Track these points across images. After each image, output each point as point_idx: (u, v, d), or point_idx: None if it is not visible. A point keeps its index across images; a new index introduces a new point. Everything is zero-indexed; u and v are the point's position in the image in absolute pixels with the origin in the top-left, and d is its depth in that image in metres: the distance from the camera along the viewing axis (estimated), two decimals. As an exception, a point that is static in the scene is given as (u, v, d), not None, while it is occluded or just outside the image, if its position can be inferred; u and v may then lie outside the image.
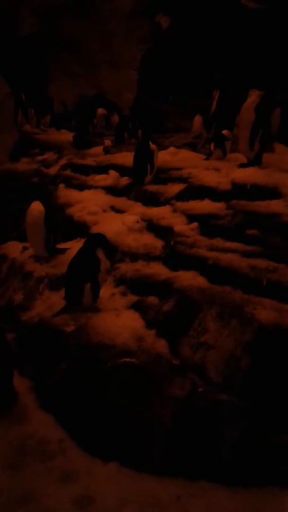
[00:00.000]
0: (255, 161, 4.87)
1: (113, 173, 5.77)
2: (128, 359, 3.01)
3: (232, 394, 2.69)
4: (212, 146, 5.74)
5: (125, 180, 5.69)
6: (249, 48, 7.59)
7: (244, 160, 5.08)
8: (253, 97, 5.16)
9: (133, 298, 3.70)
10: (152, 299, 3.60)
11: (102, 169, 6.15)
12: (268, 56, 7.34)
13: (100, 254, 3.62)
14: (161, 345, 3.16)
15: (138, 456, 2.72)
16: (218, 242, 3.91)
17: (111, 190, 5.62)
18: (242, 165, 4.92)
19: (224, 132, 5.70)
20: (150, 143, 5.44)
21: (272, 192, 4.20)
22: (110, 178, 5.74)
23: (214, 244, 3.89)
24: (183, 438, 2.69)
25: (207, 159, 5.83)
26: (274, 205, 4.00)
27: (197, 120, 7.81)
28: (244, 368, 2.74)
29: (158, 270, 3.87)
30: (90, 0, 10.70)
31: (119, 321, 3.40)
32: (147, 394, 2.82)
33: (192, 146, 6.79)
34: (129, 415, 2.79)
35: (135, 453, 2.74)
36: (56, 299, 3.87)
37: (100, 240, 3.70)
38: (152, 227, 4.52)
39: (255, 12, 7.89)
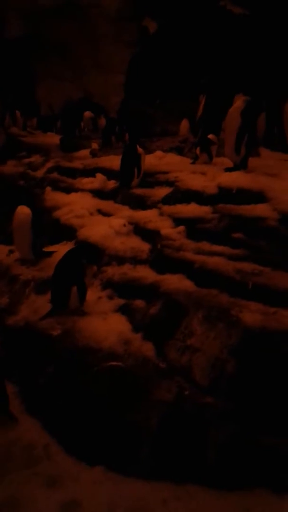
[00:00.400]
0: (241, 165, 4.92)
1: (100, 176, 5.77)
2: (115, 363, 3.01)
3: (218, 397, 2.70)
4: (198, 150, 5.78)
5: (112, 184, 5.69)
6: (235, 54, 7.68)
7: (230, 164, 5.12)
8: (239, 102, 5.22)
9: (120, 301, 3.70)
10: (139, 303, 3.60)
11: (89, 172, 6.15)
12: (254, 61, 7.42)
13: (84, 260, 3.63)
14: (148, 349, 3.17)
15: (124, 460, 2.72)
16: (205, 245, 3.93)
17: (98, 193, 5.62)
18: (228, 169, 4.96)
19: (210, 136, 5.75)
20: (137, 146, 5.46)
21: (257, 196, 4.24)
22: (97, 181, 5.74)
23: (200, 247, 3.91)
24: (170, 441, 2.69)
25: (193, 163, 5.87)
26: (259, 209, 4.04)
27: (184, 124, 7.87)
28: (230, 371, 2.75)
29: (145, 273, 3.88)
30: (78, 3, 10.71)
31: (105, 324, 3.40)
32: (134, 398, 2.82)
33: (179, 150, 6.83)
34: (116, 418, 2.78)
35: (121, 457, 2.73)
36: (43, 302, 3.85)
37: (82, 251, 3.72)
38: (139, 230, 4.53)
39: (240, 18, 7.97)
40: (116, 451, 2.75)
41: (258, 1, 7.70)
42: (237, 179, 4.60)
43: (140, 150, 5.46)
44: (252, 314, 2.99)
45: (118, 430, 2.74)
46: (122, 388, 2.90)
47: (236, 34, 7.86)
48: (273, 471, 2.48)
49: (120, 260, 4.11)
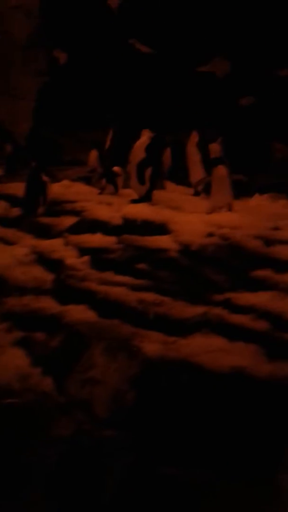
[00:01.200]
0: (145, 198, 5.09)
1: (3, 204, 5.60)
2: (11, 400, 2.85)
3: (118, 429, 2.66)
4: (104, 182, 5.89)
5: (16, 211, 5.55)
6: (141, 90, 8.02)
7: (135, 196, 5.27)
8: (145, 137, 5.46)
9: (19, 334, 3.53)
10: (40, 335, 3.48)
11: (-8, 199, 5.95)
12: (159, 99, 7.81)
13: None
14: (48, 383, 3.05)
15: (18, 504, 2.55)
16: (109, 275, 3.95)
17: (1, 221, 5.43)
18: (134, 201, 5.10)
19: (115, 168, 5.89)
20: (42, 174, 5.41)
21: (160, 228, 4.39)
22: (0, 208, 5.56)
23: (104, 277, 3.92)
24: (68, 480, 2.58)
25: (101, 193, 5.95)
26: (162, 241, 4.18)
27: (93, 154, 7.97)
28: (130, 403, 2.74)
29: (48, 304, 3.78)
30: (-14, 28, 10.52)
31: (2, 359, 3.23)
32: (31, 437, 2.68)
33: (87, 180, 6.89)
34: (10, 460, 2.61)
35: (15, 501, 2.56)
36: None
37: None
38: (43, 260, 4.43)
39: (147, 57, 8.39)
40: (8, 494, 2.57)
41: (165, 42, 8.18)
42: (141, 211, 4.74)
43: (45, 178, 5.41)
44: (152, 344, 3.03)
45: (11, 472, 2.57)
46: (19, 427, 2.74)
47: (143, 72, 8.23)
48: (172, 503, 2.48)
49: (22, 290, 3.97)
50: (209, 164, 4.96)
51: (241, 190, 6.06)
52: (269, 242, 3.87)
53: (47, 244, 4.69)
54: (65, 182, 6.38)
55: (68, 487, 2.55)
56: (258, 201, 5.45)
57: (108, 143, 6.91)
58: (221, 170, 4.83)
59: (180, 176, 6.93)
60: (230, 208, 4.79)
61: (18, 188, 5.90)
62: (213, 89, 7.47)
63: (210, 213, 4.76)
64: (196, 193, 5.68)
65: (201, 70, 7.62)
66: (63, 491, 2.54)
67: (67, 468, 2.58)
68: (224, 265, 3.76)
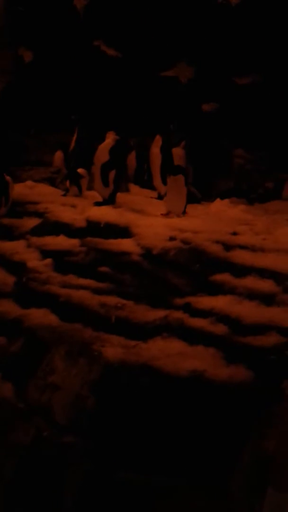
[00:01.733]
0: (109, 200, 5.09)
1: None
2: None
3: (78, 435, 2.66)
4: (68, 183, 5.85)
5: (-23, 212, 5.42)
6: (106, 92, 8.00)
7: (100, 198, 5.26)
8: (109, 139, 5.45)
9: (-22, 339, 3.48)
10: (0, 339, 3.43)
11: None
12: (124, 102, 7.82)
13: None
14: (7, 389, 3.02)
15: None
16: (72, 278, 3.93)
17: None
18: (97, 204, 5.09)
19: (79, 170, 5.87)
20: (5, 175, 5.32)
21: (123, 231, 4.40)
22: None
23: (67, 280, 3.90)
24: (26, 488, 2.56)
25: (65, 195, 5.90)
26: (125, 244, 4.19)
27: (58, 155, 7.88)
28: (90, 408, 2.75)
29: (9, 307, 3.72)
30: None
31: None
32: (-13, 444, 2.64)
33: (51, 181, 6.81)
34: None
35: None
36: None
37: None
38: (4, 262, 4.35)
39: (113, 59, 8.38)
40: None
41: (131, 45, 8.20)
42: (105, 214, 4.73)
43: (7, 178, 5.32)
44: (113, 348, 3.04)
45: None
46: (-24, 434, 2.70)
47: (109, 74, 8.22)
48: (130, 507, 2.50)
49: (-18, 294, 3.89)
50: (168, 169, 5.02)
51: (203, 195, 6.18)
52: (228, 246, 3.95)
53: (9, 246, 4.60)
54: (29, 182, 6.28)
55: (27, 496, 2.53)
56: (219, 206, 5.55)
57: (72, 144, 6.87)
58: (178, 178, 4.92)
59: (144, 179, 6.97)
60: (180, 215, 4.92)
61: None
62: (177, 94, 7.55)
63: (165, 216, 4.85)
64: (160, 197, 5.74)
65: (165, 75, 7.68)
66: (22, 501, 2.52)
67: (26, 476, 2.56)
68: (185, 269, 3.81)
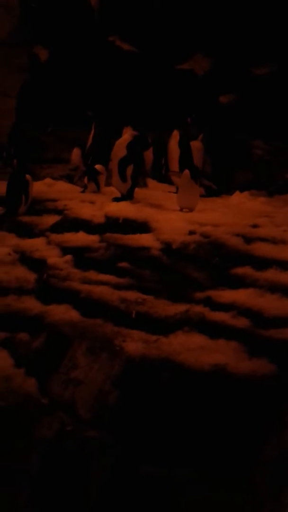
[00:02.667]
0: (127, 196, 5.09)
1: (-16, 204, 5.54)
2: (-7, 402, 2.84)
3: (100, 430, 2.68)
4: (86, 180, 5.87)
5: (-2, 211, 5.50)
6: (123, 88, 8.00)
7: (117, 194, 5.27)
8: (127, 135, 5.45)
9: (1, 335, 3.52)
10: (23, 335, 3.47)
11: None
12: (141, 96, 7.80)
13: None
14: (31, 384, 3.05)
15: (3, 508, 2.55)
16: (91, 274, 3.95)
17: (-17, 221, 5.38)
18: (115, 199, 5.10)
19: (97, 166, 5.88)
20: (25, 173, 5.37)
21: (142, 226, 4.40)
22: (-19, 208, 5.51)
23: (87, 276, 3.92)
24: (51, 482, 2.59)
25: (83, 191, 5.93)
26: (144, 239, 4.18)
27: (76, 152, 7.93)
28: (112, 402, 2.76)
29: (30, 304, 3.76)
30: None
31: (-16, 361, 3.21)
32: (13, 439, 2.68)
33: (69, 178, 6.86)
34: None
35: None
36: None
37: None
38: (25, 259, 4.40)
39: (129, 54, 8.36)
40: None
41: (146, 39, 8.17)
42: (123, 209, 4.74)
43: (28, 176, 5.37)
44: (134, 343, 3.04)
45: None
46: (1, 430, 2.74)
47: (125, 69, 8.21)
48: (154, 502, 2.50)
49: (4, 291, 3.94)
50: (183, 163, 4.98)
51: (221, 188, 6.12)
52: (249, 239, 3.91)
53: (29, 244, 4.66)
54: (48, 180, 6.34)
55: (52, 490, 2.57)
56: (239, 199, 5.49)
57: (89, 141, 6.89)
58: (184, 175, 4.90)
59: (162, 173, 6.95)
60: (192, 210, 4.88)
61: (0, 186, 5.85)
62: (194, 86, 7.48)
63: (180, 211, 4.82)
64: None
65: (181, 68, 7.63)
66: (47, 494, 2.56)
67: (51, 470, 2.59)
68: (205, 263, 3.78)
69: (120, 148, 5.16)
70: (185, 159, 4.91)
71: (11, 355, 3.32)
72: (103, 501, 2.54)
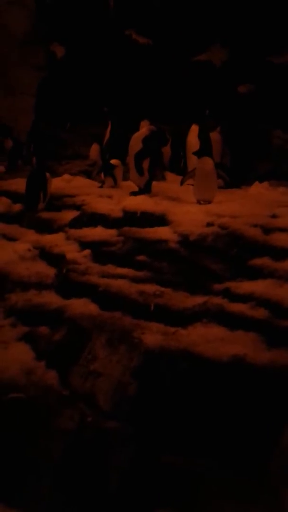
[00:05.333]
0: (145, 190, 5.08)
1: (4, 200, 5.63)
2: (15, 394, 2.90)
3: (120, 421, 2.71)
4: (102, 175, 5.89)
5: (17, 207, 5.57)
6: (140, 81, 7.97)
7: (135, 188, 5.27)
8: (143, 129, 5.44)
9: (23, 329, 3.59)
10: (44, 329, 3.53)
11: (-6, 196, 5.97)
12: (158, 90, 7.76)
13: None
14: (51, 377, 3.10)
15: (26, 495, 2.61)
16: (110, 268, 3.97)
17: (3, 217, 5.45)
18: (133, 193, 5.10)
19: (113, 161, 5.89)
20: (44, 169, 5.42)
21: (160, 219, 4.39)
22: (2, 205, 5.59)
23: (105, 270, 3.94)
24: (73, 471, 2.64)
25: (101, 187, 5.95)
26: (161, 232, 4.17)
27: (94, 148, 7.96)
28: (132, 394, 2.78)
29: (50, 298, 3.82)
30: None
31: (7, 354, 3.28)
32: (35, 430, 2.73)
33: (87, 174, 6.89)
34: (15, 453, 2.67)
35: (22, 492, 2.62)
36: None
37: None
38: (45, 255, 4.46)
39: (145, 47, 8.32)
40: (16, 486, 2.63)
41: (162, 32, 8.11)
42: (141, 203, 4.73)
43: (46, 174, 5.42)
44: (153, 335, 3.06)
45: (18, 465, 2.63)
46: (23, 421, 2.80)
47: (141, 63, 8.18)
48: (173, 490, 2.52)
49: (25, 286, 4.01)
50: (202, 155, 4.87)
51: (241, 179, 6.04)
52: (267, 230, 3.86)
53: (48, 239, 4.71)
54: (66, 176, 6.37)
55: (74, 479, 2.61)
56: (258, 189, 5.42)
57: (107, 135, 6.90)
58: (206, 164, 4.80)
59: (181, 167, 6.91)
60: (210, 202, 4.79)
61: (19, 184, 5.92)
62: (211, 77, 7.40)
63: (197, 203, 4.76)
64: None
65: (198, 59, 7.55)
66: (69, 483, 2.60)
67: (72, 460, 2.63)
68: (223, 254, 3.76)
69: (136, 142, 5.14)
70: (204, 151, 4.83)
71: (32, 349, 3.38)
72: (124, 488, 2.57)
